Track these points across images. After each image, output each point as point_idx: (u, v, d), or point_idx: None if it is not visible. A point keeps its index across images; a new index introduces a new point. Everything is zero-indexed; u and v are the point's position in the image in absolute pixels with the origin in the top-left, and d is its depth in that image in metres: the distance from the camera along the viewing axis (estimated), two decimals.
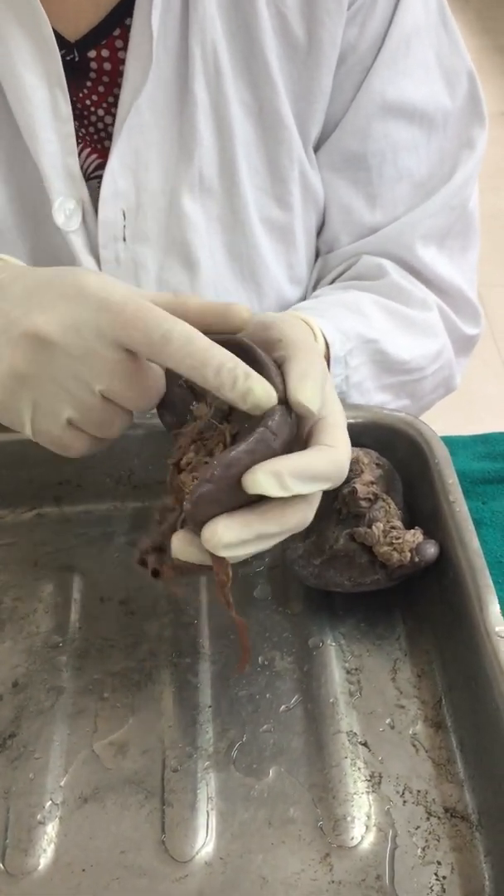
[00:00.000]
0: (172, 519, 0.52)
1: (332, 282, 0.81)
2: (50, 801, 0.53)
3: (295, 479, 0.46)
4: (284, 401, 0.48)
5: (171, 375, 0.53)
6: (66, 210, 0.69)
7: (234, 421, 0.50)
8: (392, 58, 0.71)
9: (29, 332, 0.49)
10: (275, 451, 0.46)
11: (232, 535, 0.46)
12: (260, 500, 0.47)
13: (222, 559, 0.48)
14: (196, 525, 0.47)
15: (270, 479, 0.45)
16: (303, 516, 0.48)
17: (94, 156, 0.71)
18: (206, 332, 0.48)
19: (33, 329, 0.49)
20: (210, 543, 0.46)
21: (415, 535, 0.60)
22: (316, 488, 0.48)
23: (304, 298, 0.81)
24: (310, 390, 0.47)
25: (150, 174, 0.70)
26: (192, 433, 0.51)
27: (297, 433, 0.50)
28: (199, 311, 0.50)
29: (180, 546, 0.48)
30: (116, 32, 0.67)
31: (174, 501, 0.52)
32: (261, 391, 0.46)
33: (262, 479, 0.45)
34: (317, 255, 0.82)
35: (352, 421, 0.55)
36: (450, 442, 0.65)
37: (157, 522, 0.54)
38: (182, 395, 0.53)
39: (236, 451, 0.45)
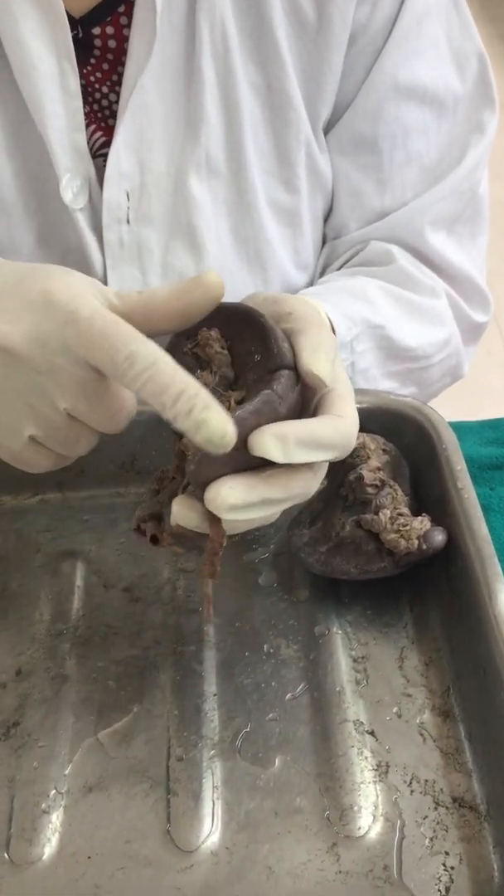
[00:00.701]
0: (173, 487, 0.51)
1: (340, 268, 0.80)
2: (54, 790, 0.53)
3: (299, 446, 0.45)
4: (292, 367, 0.47)
5: (176, 344, 0.52)
6: (73, 187, 0.68)
7: (239, 389, 0.49)
8: (404, 39, 0.70)
9: None
10: (280, 414, 0.46)
11: (236, 497, 0.45)
12: (264, 465, 0.46)
13: (219, 526, 0.47)
14: (199, 487, 0.46)
15: (275, 442, 0.44)
16: (307, 484, 0.48)
17: (99, 133, 0.70)
18: (186, 315, 0.47)
19: None
20: (213, 504, 0.45)
21: (422, 523, 0.59)
22: (321, 457, 0.47)
23: (310, 284, 0.80)
24: (322, 362, 0.47)
25: (155, 154, 0.69)
26: None
27: (306, 404, 0.49)
28: (167, 301, 0.48)
29: (180, 511, 0.48)
30: (121, 9, 0.65)
31: (175, 469, 0.51)
32: (216, 423, 0.42)
33: (267, 440, 0.44)
34: (324, 242, 0.82)
35: (358, 406, 0.54)
36: (457, 428, 0.65)
37: (153, 491, 0.53)
38: (188, 364, 0.52)
39: (241, 410, 0.45)
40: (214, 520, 0.47)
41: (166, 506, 0.51)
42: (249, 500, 0.46)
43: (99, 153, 0.70)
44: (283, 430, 0.45)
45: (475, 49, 0.74)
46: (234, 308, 0.51)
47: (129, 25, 0.65)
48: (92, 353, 0.45)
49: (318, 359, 0.47)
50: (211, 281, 0.47)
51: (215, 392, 0.50)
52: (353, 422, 0.49)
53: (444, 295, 0.79)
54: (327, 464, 0.49)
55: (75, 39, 0.66)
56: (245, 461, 0.46)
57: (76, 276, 0.48)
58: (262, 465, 0.46)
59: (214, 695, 0.57)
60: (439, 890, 0.49)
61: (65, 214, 0.70)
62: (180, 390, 0.43)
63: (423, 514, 0.60)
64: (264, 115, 0.70)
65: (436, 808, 0.52)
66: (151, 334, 0.45)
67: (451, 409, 0.80)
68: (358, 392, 0.65)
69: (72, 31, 0.65)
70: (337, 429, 0.47)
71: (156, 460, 0.68)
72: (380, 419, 0.65)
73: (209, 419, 0.42)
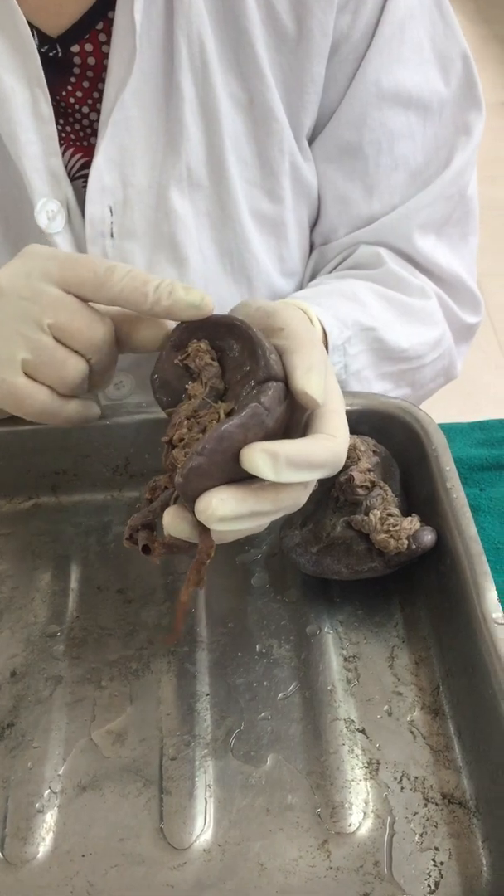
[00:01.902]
0: (165, 497, 0.52)
1: (330, 272, 0.80)
2: (48, 790, 0.53)
3: (290, 467, 0.46)
4: (280, 379, 0.47)
5: (167, 355, 0.53)
6: (48, 212, 0.69)
7: (229, 400, 0.50)
8: (387, 45, 0.70)
9: None
10: (267, 426, 0.46)
11: (226, 509, 0.45)
12: (253, 477, 0.46)
13: (208, 536, 0.48)
14: (187, 499, 0.47)
15: (266, 460, 0.45)
16: (297, 497, 0.49)
17: (78, 155, 0.70)
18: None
19: None
20: (204, 515, 0.46)
21: (412, 523, 0.60)
22: (311, 477, 0.48)
23: (298, 290, 0.80)
24: (315, 382, 0.48)
25: (137, 169, 0.69)
26: (186, 411, 0.51)
27: (296, 418, 0.50)
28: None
29: (171, 521, 0.48)
30: (100, 26, 0.66)
31: (167, 480, 0.52)
32: (196, 291, 0.51)
33: (258, 458, 0.45)
34: (312, 248, 0.82)
35: (349, 408, 0.55)
36: (447, 429, 0.65)
37: (146, 501, 0.54)
38: (178, 375, 0.53)
39: (228, 424, 0.45)
40: (204, 530, 0.48)
41: (158, 515, 0.51)
42: (240, 512, 0.46)
43: (78, 175, 0.71)
44: (275, 449, 0.45)
45: (459, 50, 0.74)
46: (223, 320, 0.51)
47: (108, 42, 0.66)
48: (75, 273, 0.53)
49: (310, 379, 0.48)
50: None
51: (205, 403, 0.50)
52: (344, 440, 0.49)
53: (434, 296, 0.79)
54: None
55: (55, 59, 0.66)
56: (232, 473, 0.46)
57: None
58: (250, 477, 0.47)
59: (207, 694, 0.58)
60: (429, 885, 0.49)
61: (41, 239, 0.70)
62: (159, 280, 0.52)
63: (413, 515, 0.61)
64: (246, 127, 0.70)
65: (425, 805, 0.52)
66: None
67: (445, 409, 0.81)
68: (348, 394, 0.66)
69: (51, 50, 0.66)
70: (329, 449, 0.48)
71: (149, 464, 0.69)
72: (370, 421, 0.66)
73: (189, 289, 0.51)
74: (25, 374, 0.55)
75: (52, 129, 0.66)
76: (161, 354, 0.54)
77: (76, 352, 0.55)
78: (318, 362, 0.49)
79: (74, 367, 0.55)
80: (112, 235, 0.71)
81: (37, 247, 0.56)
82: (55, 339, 0.54)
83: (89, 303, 0.55)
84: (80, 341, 0.55)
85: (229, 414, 0.49)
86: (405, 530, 0.59)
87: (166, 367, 0.53)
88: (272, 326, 0.51)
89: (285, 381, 0.48)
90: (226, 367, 0.52)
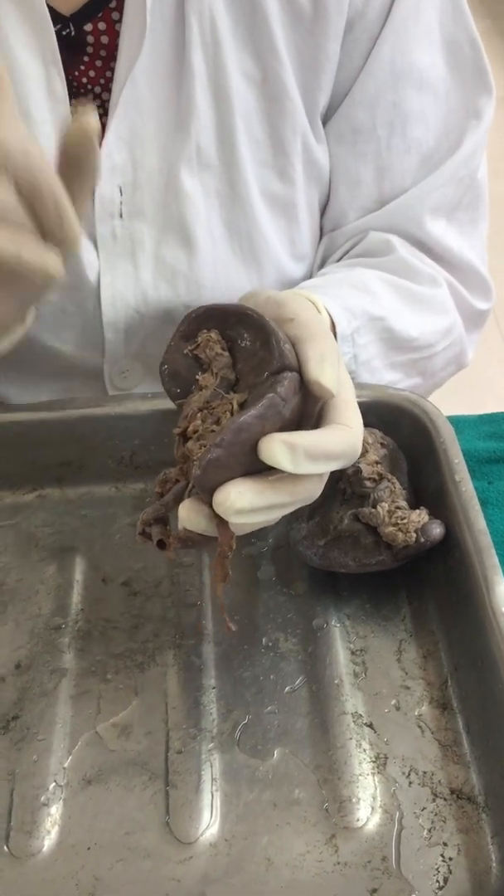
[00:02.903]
0: (178, 490, 0.51)
1: (339, 259, 0.79)
2: (54, 783, 0.53)
3: (308, 458, 0.45)
4: (294, 368, 0.47)
5: (177, 346, 0.52)
6: None
7: (241, 391, 0.49)
8: (402, 24, 0.70)
9: None
10: (284, 417, 0.46)
11: (245, 502, 0.45)
12: (270, 469, 0.46)
13: (227, 529, 0.47)
14: (204, 492, 0.46)
15: (285, 451, 0.44)
16: (313, 488, 0.48)
17: None
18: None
19: None
20: (222, 508, 0.45)
21: (420, 516, 0.59)
22: (328, 468, 0.47)
23: (308, 276, 0.80)
24: (328, 373, 0.47)
25: (147, 149, 0.69)
26: (198, 402, 0.50)
27: (308, 409, 0.49)
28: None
29: (187, 515, 0.48)
30: (113, 4, 0.65)
31: (179, 472, 0.51)
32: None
33: (277, 449, 0.44)
34: (321, 234, 0.81)
35: (356, 400, 0.54)
36: (455, 421, 0.65)
37: (157, 495, 0.53)
38: (188, 366, 0.52)
39: (246, 415, 0.45)
40: (222, 523, 0.47)
41: (171, 509, 0.51)
42: (257, 505, 0.46)
43: None
44: (293, 441, 0.45)
45: (468, 36, 0.73)
46: (233, 309, 0.51)
47: (120, 21, 0.65)
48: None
49: (324, 369, 0.47)
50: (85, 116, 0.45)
51: (217, 394, 0.50)
52: (359, 431, 0.49)
53: (445, 283, 0.78)
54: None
55: (68, 38, 0.66)
56: (249, 465, 0.46)
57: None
58: (266, 468, 0.46)
59: (213, 688, 0.57)
60: (437, 881, 0.49)
61: None
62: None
63: (421, 508, 0.60)
64: (259, 105, 0.70)
65: (434, 800, 0.52)
66: None
67: (450, 403, 0.80)
68: (356, 386, 0.65)
69: (64, 29, 0.65)
70: (345, 440, 0.48)
71: (155, 455, 0.69)
72: (378, 413, 0.65)
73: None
74: None
75: (66, 109, 0.66)
76: (170, 345, 0.53)
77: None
78: (331, 352, 0.48)
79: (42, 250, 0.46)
80: (121, 216, 0.71)
81: None
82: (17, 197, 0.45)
83: None
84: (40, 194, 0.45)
85: (243, 405, 0.48)
86: (413, 523, 0.59)
87: (176, 358, 0.52)
88: (282, 316, 0.50)
89: (299, 371, 0.48)
90: (237, 357, 0.51)
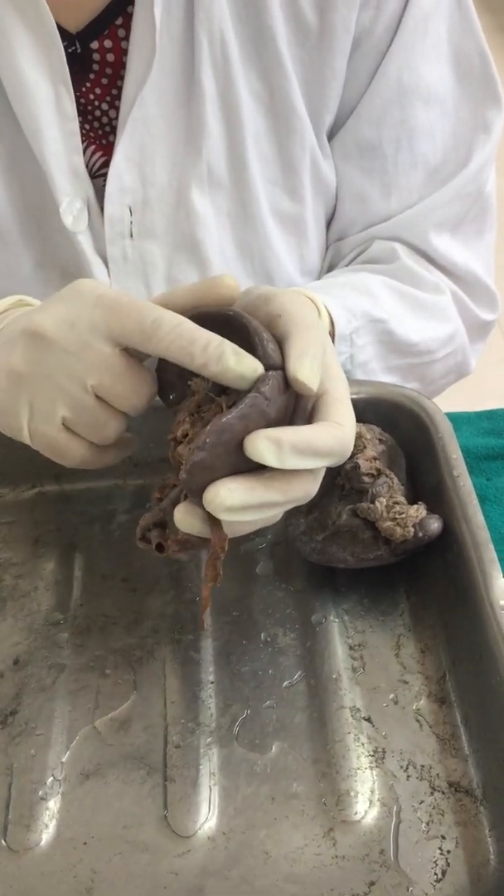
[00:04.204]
0: (174, 494, 0.52)
1: (345, 267, 0.79)
2: (52, 778, 0.53)
3: (295, 453, 0.45)
4: (280, 367, 0.47)
5: None
6: (73, 210, 0.68)
7: (231, 393, 0.49)
8: (410, 40, 0.69)
9: (27, 329, 0.50)
10: (269, 416, 0.46)
11: (234, 499, 0.45)
12: (262, 469, 0.46)
13: (220, 530, 0.47)
14: (193, 494, 0.46)
15: (269, 446, 0.44)
16: (307, 488, 0.48)
17: (98, 153, 0.69)
18: (196, 306, 0.49)
19: (31, 327, 0.50)
20: (212, 506, 0.45)
21: (418, 511, 0.59)
22: (317, 464, 0.47)
23: None
24: (307, 367, 0.47)
25: (157, 168, 0.68)
26: (190, 407, 0.51)
27: (301, 407, 0.49)
28: (185, 296, 0.51)
29: (182, 518, 0.48)
30: (119, 21, 0.65)
31: (174, 478, 0.51)
32: (248, 364, 0.46)
33: (261, 444, 0.44)
34: (327, 246, 0.81)
35: (355, 397, 0.54)
36: (454, 418, 0.65)
37: (156, 499, 0.54)
38: (180, 372, 0.53)
39: (228, 416, 0.45)
40: (215, 524, 0.47)
41: (169, 514, 0.51)
42: (248, 502, 0.46)
43: (98, 173, 0.70)
44: (278, 436, 0.45)
45: (477, 47, 0.72)
46: (218, 312, 0.51)
47: (127, 38, 0.65)
48: (121, 324, 0.49)
49: (303, 364, 0.47)
50: (227, 284, 0.50)
51: (208, 398, 0.50)
52: (350, 428, 0.49)
53: (449, 291, 0.78)
54: (325, 467, 0.49)
55: (74, 55, 0.65)
56: (236, 465, 0.46)
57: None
58: (256, 468, 0.46)
59: (212, 682, 0.57)
60: (436, 874, 0.49)
61: (64, 237, 0.70)
62: (207, 340, 0.47)
63: (419, 503, 0.60)
64: (267, 123, 0.69)
65: (432, 793, 0.52)
66: None
67: (449, 400, 0.81)
68: (354, 383, 0.65)
69: (70, 46, 0.65)
70: (334, 436, 0.47)
71: (154, 453, 0.68)
72: (376, 409, 0.65)
73: (243, 360, 0.46)
74: (66, 427, 0.53)
75: (75, 127, 0.65)
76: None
77: (118, 410, 0.53)
78: (312, 347, 0.47)
79: (115, 428, 0.53)
80: (131, 236, 0.70)
81: (84, 284, 0.51)
82: (97, 398, 0.51)
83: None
84: (122, 404, 0.52)
85: (231, 407, 0.49)
86: (411, 518, 0.59)
87: (168, 366, 0.53)
88: (270, 314, 0.50)
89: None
90: None
